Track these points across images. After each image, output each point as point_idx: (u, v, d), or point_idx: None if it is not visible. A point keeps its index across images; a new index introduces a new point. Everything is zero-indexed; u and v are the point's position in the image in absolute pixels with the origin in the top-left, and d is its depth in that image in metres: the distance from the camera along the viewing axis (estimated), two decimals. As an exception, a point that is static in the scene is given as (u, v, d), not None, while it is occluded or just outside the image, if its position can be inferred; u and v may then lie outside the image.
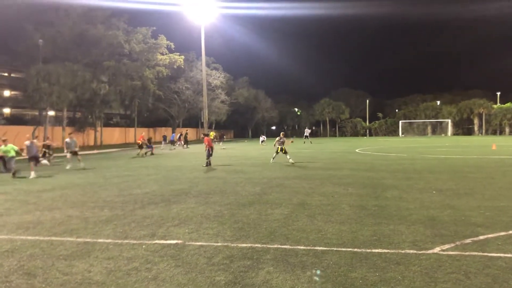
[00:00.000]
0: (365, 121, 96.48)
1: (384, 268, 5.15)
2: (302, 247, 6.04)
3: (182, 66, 57.81)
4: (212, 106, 65.96)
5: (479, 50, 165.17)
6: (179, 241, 6.45)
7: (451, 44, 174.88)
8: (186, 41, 70.08)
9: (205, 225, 7.54)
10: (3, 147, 18.59)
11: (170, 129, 66.28)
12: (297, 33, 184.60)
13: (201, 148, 20.14)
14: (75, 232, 7.22)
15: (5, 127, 43.05)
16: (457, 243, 6.16)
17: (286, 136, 22.46)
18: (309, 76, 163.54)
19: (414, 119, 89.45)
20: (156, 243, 6.40)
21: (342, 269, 5.13)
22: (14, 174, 16.87)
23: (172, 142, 43.78)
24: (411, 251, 5.79)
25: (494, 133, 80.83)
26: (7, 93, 52.84)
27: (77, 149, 21.23)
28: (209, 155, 19.78)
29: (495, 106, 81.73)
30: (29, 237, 6.91)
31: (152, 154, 30.08)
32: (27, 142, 17.72)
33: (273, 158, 21.33)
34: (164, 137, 46.14)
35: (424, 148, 33.59)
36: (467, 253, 5.67)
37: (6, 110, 53.63)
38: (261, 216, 8.16)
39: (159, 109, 64.56)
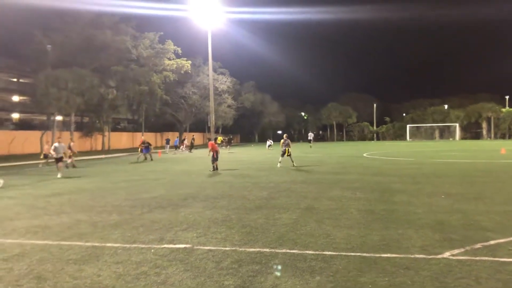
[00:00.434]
0: (372, 125, 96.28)
1: (394, 273, 5.11)
2: (310, 252, 6.02)
3: (189, 71, 58.04)
4: (219, 111, 66.07)
5: (487, 53, 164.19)
6: (188, 245, 6.45)
7: (459, 47, 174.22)
8: (193, 46, 70.36)
9: (213, 229, 7.55)
10: None
11: (177, 134, 66.51)
12: (304, 37, 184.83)
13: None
14: (84, 236, 7.25)
15: (14, 132, 43.41)
16: (467, 248, 6.11)
17: (290, 139, 22.46)
18: (316, 80, 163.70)
19: (422, 123, 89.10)
20: (164, 247, 6.41)
21: (351, 274, 5.11)
22: None
23: (176, 147, 43.90)
24: (421, 256, 5.75)
25: (503, 137, 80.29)
26: (15, 98, 53.25)
27: (62, 155, 19.07)
28: (214, 159, 19.71)
29: (503, 110, 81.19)
30: (39, 241, 6.95)
31: (145, 159, 29.00)
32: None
33: (280, 162, 21.40)
34: (167, 141, 46.27)
35: (432, 153, 33.41)
36: (477, 258, 5.62)
37: (15, 115, 54.03)
38: (269, 221, 8.15)
39: (166, 113, 64.77)
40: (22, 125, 51.12)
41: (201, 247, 6.36)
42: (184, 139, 50.65)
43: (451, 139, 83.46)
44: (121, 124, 69.96)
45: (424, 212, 8.77)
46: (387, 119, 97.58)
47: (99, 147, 52.49)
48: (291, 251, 6.10)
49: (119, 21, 48.29)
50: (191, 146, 45.28)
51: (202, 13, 41.84)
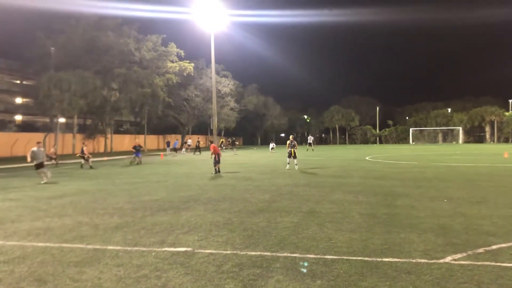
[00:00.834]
0: (375, 128, 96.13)
1: (395, 278, 5.09)
2: (312, 256, 6.00)
3: (192, 74, 58.14)
4: (222, 113, 66.14)
5: (490, 57, 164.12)
6: (189, 249, 6.44)
7: (463, 50, 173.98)
8: (195, 49, 70.76)
9: (215, 232, 7.53)
10: None
11: (179, 136, 66.62)
12: (307, 40, 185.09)
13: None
14: (85, 239, 7.24)
15: (17, 134, 43.53)
16: (469, 252, 6.08)
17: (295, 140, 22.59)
18: (318, 83, 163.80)
19: (425, 126, 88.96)
20: (165, 250, 6.40)
21: (352, 278, 5.08)
22: None
23: (175, 149, 43.87)
24: (422, 260, 5.72)
25: (506, 141, 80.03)
26: (18, 100, 53.44)
27: (43, 160, 17.36)
28: (216, 162, 19.72)
29: (507, 113, 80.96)
30: (40, 244, 6.95)
31: (138, 163, 28.47)
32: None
33: (288, 164, 21.58)
34: (168, 143, 46.34)
35: (435, 156, 33.34)
36: (479, 263, 5.59)
37: (18, 117, 54.21)
38: (270, 224, 8.13)
39: (169, 116, 64.90)
40: (25, 127, 51.29)
41: (202, 251, 6.34)
42: (186, 142, 50.70)
43: (454, 142, 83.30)
44: (124, 126, 70.10)
45: (427, 216, 8.74)
46: (390, 122, 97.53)
47: (102, 149, 52.61)
48: (293, 254, 6.08)
49: (122, 23, 48.50)
50: (197, 148, 45.33)
51: (205, 16, 41.95)
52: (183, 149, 47.64)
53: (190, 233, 7.52)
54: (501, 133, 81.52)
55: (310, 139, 50.73)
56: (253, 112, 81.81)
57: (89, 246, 6.72)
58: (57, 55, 43.67)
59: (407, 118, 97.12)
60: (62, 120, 49.01)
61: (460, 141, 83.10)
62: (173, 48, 53.89)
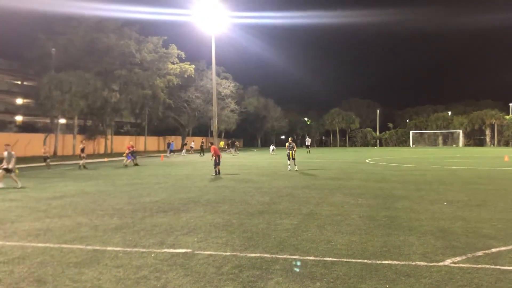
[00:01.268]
0: (375, 131, 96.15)
1: (394, 280, 5.09)
2: (311, 258, 5.99)
3: (193, 75, 58.17)
4: (222, 115, 66.15)
5: (491, 60, 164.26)
6: (188, 250, 6.44)
7: (463, 53, 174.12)
8: (196, 50, 70.85)
9: (214, 234, 7.53)
10: None
11: (180, 138, 66.70)
12: (308, 42, 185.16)
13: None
14: (85, 239, 7.25)
15: (17, 135, 43.54)
16: (469, 255, 6.08)
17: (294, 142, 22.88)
18: (319, 85, 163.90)
19: (425, 129, 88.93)
20: (165, 251, 6.40)
21: (351, 281, 5.08)
22: None
23: (171, 151, 43.84)
24: (422, 263, 5.72)
25: (506, 144, 79.98)
26: (19, 100, 53.47)
27: (10, 166, 16.00)
28: (217, 164, 19.77)
29: (507, 117, 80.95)
30: (40, 244, 6.95)
31: (129, 165, 28.19)
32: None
33: (289, 165, 21.85)
34: (168, 145, 46.36)
35: (435, 159, 33.34)
36: (479, 266, 5.59)
37: (18, 118, 54.25)
38: (270, 226, 8.13)
39: (169, 117, 64.94)
40: (26, 128, 51.32)
41: (202, 252, 6.34)
42: (186, 143, 50.72)
43: (454, 145, 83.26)
44: (124, 128, 70.14)
45: (426, 219, 8.74)
46: (390, 125, 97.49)
47: (102, 150, 52.61)
48: (292, 256, 6.08)
49: (123, 25, 48.55)
50: (201, 150, 45.51)
51: (206, 17, 42.00)
52: (184, 151, 47.62)
53: (190, 234, 7.53)
54: (501, 136, 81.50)
55: (308, 141, 50.77)
56: (254, 114, 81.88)
57: (89, 247, 6.72)
58: (58, 56, 43.74)
59: (407, 121, 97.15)
60: (62, 121, 49.05)
61: (460, 144, 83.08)
62: (174, 49, 53.95)
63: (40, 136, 43.84)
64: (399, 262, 5.76)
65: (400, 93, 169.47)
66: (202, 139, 55.02)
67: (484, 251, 6.27)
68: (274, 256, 6.11)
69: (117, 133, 62.09)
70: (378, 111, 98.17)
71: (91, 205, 11.02)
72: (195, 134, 75.55)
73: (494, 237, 7.16)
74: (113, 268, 5.64)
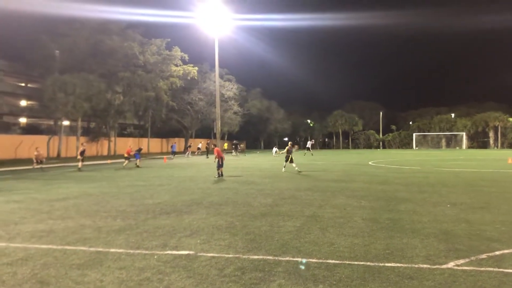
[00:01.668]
0: (378, 133, 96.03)
1: (397, 283, 5.08)
2: (314, 260, 5.99)
3: (196, 78, 58.26)
4: (225, 117, 66.18)
5: (494, 62, 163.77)
6: (191, 252, 6.45)
7: (466, 55, 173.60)
8: (199, 52, 70.98)
9: (217, 236, 7.54)
10: None
11: (183, 140, 66.81)
12: (311, 44, 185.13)
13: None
14: (88, 241, 7.26)
15: (21, 137, 43.69)
16: (472, 258, 6.06)
17: (296, 145, 23.28)
18: (322, 87, 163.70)
19: (428, 131, 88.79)
20: (168, 253, 6.41)
21: (354, 283, 5.08)
22: None
23: (173, 153, 43.99)
24: (425, 266, 5.71)
25: (510, 146, 79.75)
26: (23, 102, 53.66)
27: None
28: (220, 165, 19.81)
29: (511, 119, 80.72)
30: (43, 246, 6.97)
31: (137, 166, 28.49)
32: None
33: (284, 167, 22.17)
34: (173, 147, 46.50)
35: (438, 161, 33.25)
36: (482, 269, 5.58)
37: (22, 120, 54.43)
38: (273, 228, 8.13)
39: (172, 119, 65.01)
40: (29, 130, 51.48)
41: (204, 254, 6.35)
42: (190, 145, 50.79)
43: (457, 148, 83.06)
44: (128, 130, 70.26)
45: (429, 221, 8.71)
46: (393, 127, 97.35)
47: (105, 152, 52.71)
48: (295, 259, 6.07)
49: (126, 27, 48.68)
50: (207, 152, 45.68)
51: (209, 20, 42.10)
52: (188, 153, 47.68)
53: (193, 236, 7.53)
54: (505, 138, 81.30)
55: (309, 143, 50.78)
56: (257, 116, 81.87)
57: (92, 249, 6.74)
58: (62, 58, 43.89)
59: (410, 123, 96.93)
60: (66, 123, 49.19)
61: (464, 146, 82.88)
62: (177, 52, 54.02)
63: (43, 138, 43.94)
64: (402, 265, 5.75)
65: (403, 95, 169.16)
66: (208, 141, 55.11)
67: (487, 254, 6.25)
68: (276, 258, 6.11)
69: (121, 135, 62.23)
70: (381, 113, 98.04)
71: (94, 207, 11.05)
72: (198, 136, 75.61)
73: (498, 239, 7.13)
74: (116, 270, 5.65)
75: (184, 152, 51.35)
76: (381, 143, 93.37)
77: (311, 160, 35.16)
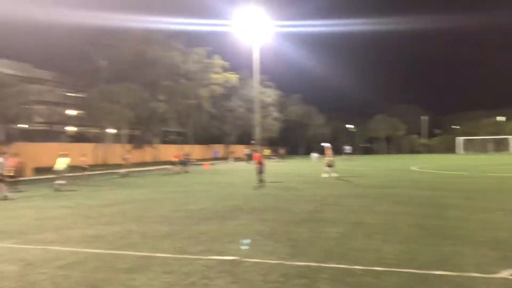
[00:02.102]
0: (422, 138, 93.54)
1: (447, 292, 4.93)
2: (359, 267, 5.90)
3: (236, 85, 58.85)
4: (265, 123, 66.32)
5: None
6: (235, 258, 6.50)
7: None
8: (238, 59, 71.32)
9: (260, 242, 7.57)
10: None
11: (222, 146, 67.49)
12: (352, 49, 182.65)
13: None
14: (135, 246, 7.46)
15: (69, 145, 45.42)
16: (526, 267, 5.80)
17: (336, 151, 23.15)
18: (363, 92, 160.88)
19: (475, 135, 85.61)
20: (212, 258, 6.49)
21: (401, 291, 4.97)
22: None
23: (216, 158, 44.61)
24: (476, 275, 5.51)
25: None
26: (71, 112, 55.79)
27: (7, 172, 15.41)
28: (260, 172, 19.79)
29: None
30: (92, 250, 7.22)
31: (185, 172, 29.55)
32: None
33: (326, 173, 21.99)
34: (215, 152, 47.20)
35: (486, 166, 32.00)
36: (538, 279, 5.33)
37: (70, 128, 56.56)
38: (315, 234, 8.08)
39: (213, 126, 65.81)
40: (77, 138, 53.40)
41: (248, 260, 6.38)
42: (232, 151, 51.31)
43: (506, 152, 79.67)
44: (170, 137, 71.66)
45: (479, 228, 8.41)
46: (438, 131, 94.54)
47: (149, 159, 53.94)
48: (339, 265, 6.01)
49: (168, 37, 49.79)
50: (249, 158, 46.06)
51: (248, 27, 42.46)
52: (231, 158, 48.24)
53: (236, 242, 7.59)
54: (558, 142, 77.31)
55: (347, 149, 49.92)
56: (296, 121, 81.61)
57: (139, 253, 6.92)
58: (107, 68, 45.39)
59: (455, 127, 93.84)
60: (111, 130, 50.74)
61: (513, 150, 79.38)
62: (217, 60, 54.77)
63: (89, 146, 45.48)
64: (451, 273, 5.58)
65: (448, 98, 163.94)
66: (250, 147, 55.44)
67: (543, 263, 5.97)
68: (320, 264, 6.06)
69: (164, 141, 63.53)
70: (425, 117, 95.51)
71: (140, 212, 11.34)
72: (238, 142, 76.13)
73: (554, 248, 6.80)
74: (162, 274, 5.77)
75: (225, 158, 51.83)
76: (424, 147, 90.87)
77: (353, 166, 34.67)
